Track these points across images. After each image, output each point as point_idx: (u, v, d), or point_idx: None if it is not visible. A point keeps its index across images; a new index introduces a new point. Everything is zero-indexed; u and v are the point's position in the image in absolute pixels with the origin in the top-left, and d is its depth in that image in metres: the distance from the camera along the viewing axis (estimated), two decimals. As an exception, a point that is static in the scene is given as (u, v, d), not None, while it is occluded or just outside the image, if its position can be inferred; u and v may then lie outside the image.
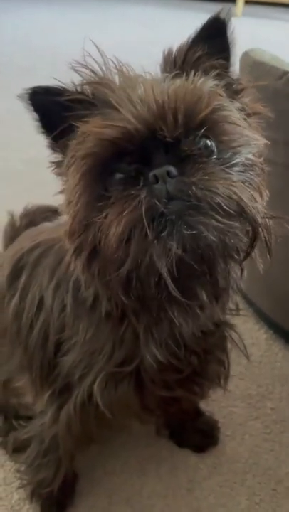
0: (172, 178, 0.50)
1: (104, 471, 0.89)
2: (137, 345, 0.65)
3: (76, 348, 0.67)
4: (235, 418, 0.99)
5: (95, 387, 0.66)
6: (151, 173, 0.50)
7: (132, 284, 0.52)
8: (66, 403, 0.70)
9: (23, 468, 0.84)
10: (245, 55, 1.01)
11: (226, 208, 0.50)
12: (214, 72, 0.57)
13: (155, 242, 0.49)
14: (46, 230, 0.80)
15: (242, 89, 0.61)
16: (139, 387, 0.69)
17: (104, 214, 0.51)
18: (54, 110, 0.57)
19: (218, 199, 0.50)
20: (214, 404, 1.01)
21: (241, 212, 0.52)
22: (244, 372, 1.07)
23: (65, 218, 0.58)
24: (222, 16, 0.60)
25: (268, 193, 0.58)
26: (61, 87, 0.57)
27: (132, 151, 0.52)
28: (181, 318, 0.58)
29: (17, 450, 0.88)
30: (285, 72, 0.91)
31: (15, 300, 0.75)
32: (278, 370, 1.08)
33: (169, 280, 0.50)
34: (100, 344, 0.66)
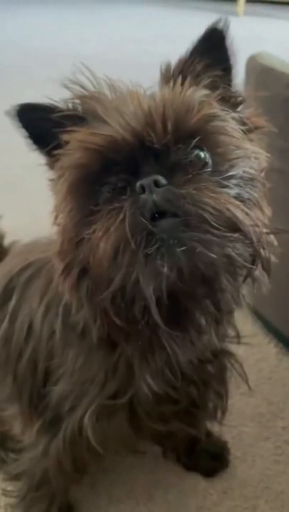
0: (160, 187, 0.46)
1: (109, 499, 0.85)
2: (131, 374, 0.62)
3: (66, 378, 0.64)
4: (245, 438, 0.95)
5: (86, 420, 0.62)
6: (138, 183, 0.47)
7: (120, 305, 0.48)
8: (56, 436, 0.66)
9: (14, 502, 0.80)
10: (252, 60, 0.97)
11: (215, 224, 0.46)
12: (207, 81, 0.55)
13: (143, 261, 0.45)
14: (38, 247, 0.77)
15: (241, 102, 0.58)
16: (133, 421, 0.65)
17: (92, 229, 0.48)
18: (44, 127, 0.55)
19: (207, 214, 0.46)
20: (223, 423, 0.96)
21: (235, 229, 0.48)
22: (254, 389, 1.03)
23: (55, 237, 0.55)
24: (219, 26, 0.57)
25: (269, 208, 0.55)
26: (50, 104, 0.55)
27: (120, 161, 0.49)
28: (174, 346, 0.53)
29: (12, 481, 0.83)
30: (295, 79, 0.87)
31: (4, 325, 0.72)
32: (289, 387, 1.04)
33: (153, 306, 0.46)
34: (91, 374, 0.63)
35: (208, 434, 0.91)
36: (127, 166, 0.49)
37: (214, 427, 0.93)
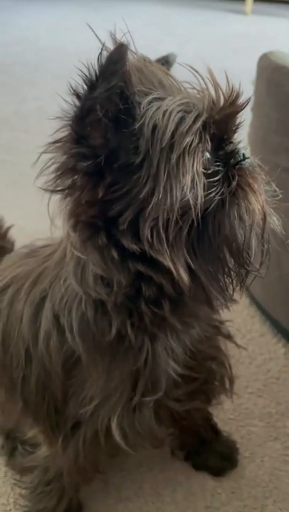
0: None
1: (118, 497, 0.85)
2: (156, 368, 0.62)
3: (96, 393, 0.62)
4: (253, 438, 0.94)
5: (114, 424, 0.62)
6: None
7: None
8: (74, 437, 0.65)
9: (25, 493, 0.80)
10: (265, 58, 0.97)
11: None
12: None
13: None
14: (13, 262, 0.74)
15: None
16: (157, 410, 0.66)
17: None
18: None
19: None
20: (232, 423, 0.96)
21: None
22: (262, 388, 1.02)
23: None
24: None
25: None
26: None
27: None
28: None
29: (23, 473, 0.83)
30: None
31: None
32: (298, 387, 1.03)
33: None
34: (118, 381, 0.62)
35: (217, 432, 0.91)
36: None
37: (224, 426, 0.93)
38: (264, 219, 0.53)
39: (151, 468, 0.89)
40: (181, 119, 0.48)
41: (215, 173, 0.51)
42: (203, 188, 0.49)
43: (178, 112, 0.48)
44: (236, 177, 0.52)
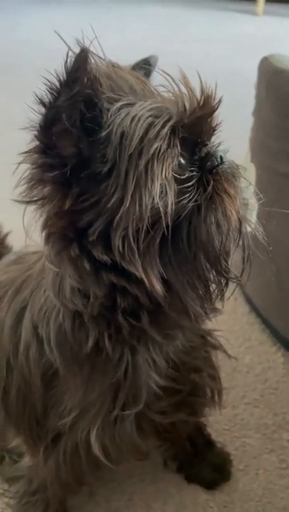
0: None
1: (108, 509, 0.83)
2: (137, 379, 0.61)
3: (74, 404, 0.61)
4: (248, 450, 0.92)
5: (92, 436, 0.60)
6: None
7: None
8: (55, 448, 0.64)
9: (12, 503, 0.79)
10: (265, 61, 0.95)
11: None
12: None
13: None
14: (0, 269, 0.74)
15: None
16: (139, 423, 0.64)
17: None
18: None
19: None
20: (226, 434, 0.94)
21: None
22: (259, 399, 1.00)
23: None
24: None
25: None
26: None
27: None
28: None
29: (10, 482, 0.82)
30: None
31: None
32: (296, 398, 1.01)
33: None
34: (98, 393, 0.61)
35: (210, 443, 0.89)
36: None
37: (217, 437, 0.91)
38: (240, 225, 0.51)
39: (142, 480, 0.87)
40: (150, 125, 0.46)
41: (189, 179, 0.49)
42: (174, 194, 0.47)
43: (147, 118, 0.46)
44: (211, 182, 0.50)
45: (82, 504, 0.84)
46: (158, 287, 0.48)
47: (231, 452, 0.90)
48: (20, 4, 3.94)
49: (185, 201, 0.48)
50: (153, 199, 0.46)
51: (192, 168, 0.50)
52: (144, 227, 0.46)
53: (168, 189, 0.46)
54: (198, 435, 0.87)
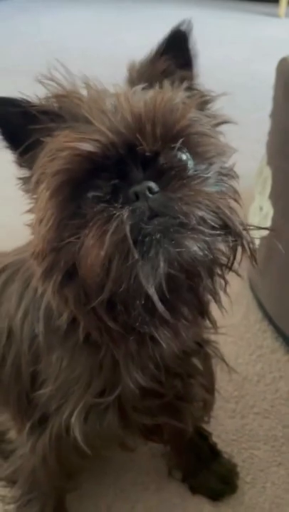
0: (153, 194, 0.48)
1: (109, 516, 0.82)
2: (117, 371, 0.62)
3: (51, 380, 0.63)
4: (256, 462, 0.89)
5: (73, 420, 0.62)
6: (131, 190, 0.48)
7: (117, 307, 0.50)
8: (43, 434, 0.65)
9: (11, 508, 0.79)
10: (283, 62, 0.92)
11: (210, 222, 0.49)
12: (184, 84, 0.56)
13: (141, 262, 0.46)
14: (13, 250, 0.76)
15: (210, 101, 0.60)
16: (122, 417, 0.65)
17: (81, 235, 0.48)
18: (18, 123, 0.54)
19: (203, 213, 0.48)
20: (234, 444, 0.92)
21: (225, 226, 0.51)
22: (269, 409, 0.97)
23: (32, 238, 0.54)
24: (183, 28, 0.60)
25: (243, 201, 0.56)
26: (24, 98, 0.54)
27: (108, 166, 0.49)
28: (166, 339, 0.54)
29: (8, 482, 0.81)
30: None
31: None
32: (308, 409, 0.98)
33: (157, 301, 0.48)
34: (75, 374, 0.62)
35: (217, 453, 0.87)
36: (115, 170, 0.49)
37: (225, 447, 0.89)
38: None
39: (146, 488, 0.85)
40: None
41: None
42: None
43: None
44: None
45: (83, 510, 0.82)
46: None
47: (238, 464, 0.88)
48: (41, 6, 3.96)
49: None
50: None
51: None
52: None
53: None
54: (203, 444, 0.85)
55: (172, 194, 0.48)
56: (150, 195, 0.47)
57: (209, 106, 0.59)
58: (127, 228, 0.46)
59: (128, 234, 0.46)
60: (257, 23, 3.45)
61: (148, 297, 0.47)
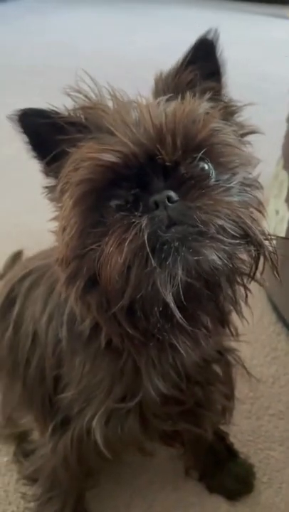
0: (172, 203, 0.49)
1: (127, 514, 0.83)
2: (138, 378, 0.63)
3: (73, 384, 0.65)
4: (272, 463, 0.90)
5: (94, 423, 0.63)
6: (151, 199, 0.49)
7: (136, 314, 0.50)
8: (64, 435, 0.67)
9: (31, 505, 0.81)
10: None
11: (230, 231, 0.49)
12: (208, 95, 0.56)
13: (158, 270, 0.47)
14: (39, 255, 0.78)
15: (236, 111, 0.60)
16: (143, 423, 0.66)
17: (102, 242, 0.50)
18: (46, 133, 0.55)
19: (223, 222, 0.49)
20: (250, 445, 0.93)
21: (246, 235, 0.51)
22: (284, 411, 0.98)
23: (57, 245, 0.56)
24: (210, 37, 0.60)
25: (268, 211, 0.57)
26: (53, 110, 0.55)
27: (129, 176, 0.50)
28: (185, 347, 0.55)
29: (29, 480, 0.83)
30: None
31: (9, 333, 0.73)
32: None
33: (175, 308, 0.48)
34: (97, 379, 0.63)
35: (233, 453, 0.88)
36: (136, 180, 0.50)
37: (241, 448, 0.90)
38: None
39: (163, 487, 0.87)
40: None
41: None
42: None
43: None
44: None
45: (102, 508, 0.83)
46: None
47: (255, 464, 0.89)
48: (50, 6, 3.99)
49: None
50: None
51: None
52: None
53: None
54: (220, 444, 0.86)
55: (191, 203, 0.49)
56: (169, 204, 0.48)
57: (236, 116, 0.59)
58: (145, 236, 0.47)
59: (146, 241, 0.47)
60: (266, 25, 3.46)
61: (166, 304, 0.48)
